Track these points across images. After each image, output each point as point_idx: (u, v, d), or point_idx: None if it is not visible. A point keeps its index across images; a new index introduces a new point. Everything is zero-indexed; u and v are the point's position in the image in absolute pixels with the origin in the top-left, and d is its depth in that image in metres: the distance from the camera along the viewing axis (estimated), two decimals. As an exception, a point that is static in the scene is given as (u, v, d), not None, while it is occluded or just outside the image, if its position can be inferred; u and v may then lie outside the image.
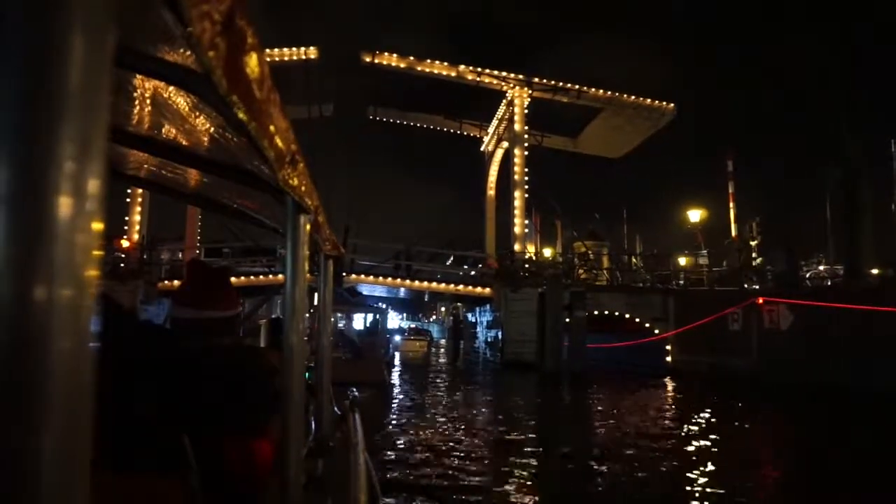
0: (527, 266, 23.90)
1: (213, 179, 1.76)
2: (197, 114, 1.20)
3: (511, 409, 12.30)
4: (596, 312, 20.29)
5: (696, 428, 10.18)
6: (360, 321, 22.45)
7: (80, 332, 0.39)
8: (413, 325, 48.08)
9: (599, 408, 13.12)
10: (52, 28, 0.38)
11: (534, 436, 9.74)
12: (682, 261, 26.84)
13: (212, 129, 1.23)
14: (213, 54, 0.58)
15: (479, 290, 23.33)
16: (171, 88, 1.07)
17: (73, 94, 0.39)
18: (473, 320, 29.27)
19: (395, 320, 43.25)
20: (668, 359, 20.32)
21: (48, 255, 0.37)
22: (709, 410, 12.12)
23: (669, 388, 16.85)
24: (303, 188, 1.26)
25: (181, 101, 1.11)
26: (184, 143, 1.48)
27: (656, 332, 20.49)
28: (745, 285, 20.88)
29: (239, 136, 0.89)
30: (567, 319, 19.49)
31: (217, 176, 1.61)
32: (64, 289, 0.37)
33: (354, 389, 3.62)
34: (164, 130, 1.42)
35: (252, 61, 0.68)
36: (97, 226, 0.39)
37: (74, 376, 0.38)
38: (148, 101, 1.22)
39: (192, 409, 1.53)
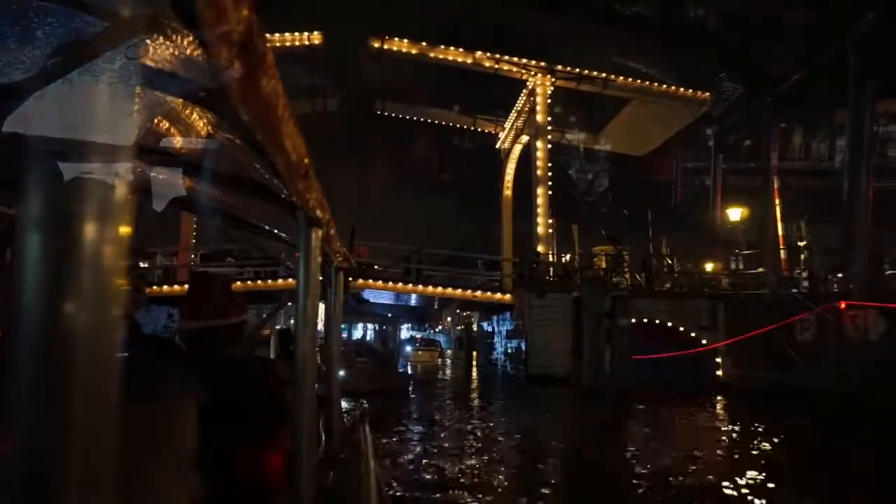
0: (552, 269, 23.72)
1: (220, 190, 1.82)
2: (208, 126, 1.24)
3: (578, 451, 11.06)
4: (633, 321, 19.49)
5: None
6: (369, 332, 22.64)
7: (107, 347, 0.42)
8: (422, 336, 48.44)
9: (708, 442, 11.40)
10: (81, 53, 0.40)
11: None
12: (709, 266, 26.45)
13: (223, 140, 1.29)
14: (231, 74, 0.60)
15: (497, 296, 23.10)
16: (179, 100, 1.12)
17: (102, 122, 0.41)
18: (490, 329, 29.24)
19: (403, 330, 43.60)
20: (719, 373, 19.37)
21: (77, 275, 0.41)
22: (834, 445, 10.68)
23: (739, 408, 15.42)
24: (314, 202, 1.31)
25: (191, 112, 1.15)
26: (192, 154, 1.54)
27: (703, 342, 19.60)
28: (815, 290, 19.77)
29: (252, 151, 0.92)
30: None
31: (226, 188, 1.67)
32: (91, 306, 0.41)
33: (364, 401, 3.72)
34: (171, 142, 1.47)
35: (269, 81, 0.71)
36: (122, 246, 0.43)
37: (101, 388, 0.42)
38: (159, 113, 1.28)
39: (201, 421, 1.59)
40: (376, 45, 23.64)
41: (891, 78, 18.44)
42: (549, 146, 24.72)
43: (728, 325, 19.49)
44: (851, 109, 19.21)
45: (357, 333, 22.38)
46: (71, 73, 0.45)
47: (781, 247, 25.81)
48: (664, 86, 25.22)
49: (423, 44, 24.08)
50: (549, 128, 24.90)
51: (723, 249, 27.73)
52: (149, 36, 0.50)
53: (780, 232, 26.28)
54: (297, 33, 23.58)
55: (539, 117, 24.47)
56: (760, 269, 23.60)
